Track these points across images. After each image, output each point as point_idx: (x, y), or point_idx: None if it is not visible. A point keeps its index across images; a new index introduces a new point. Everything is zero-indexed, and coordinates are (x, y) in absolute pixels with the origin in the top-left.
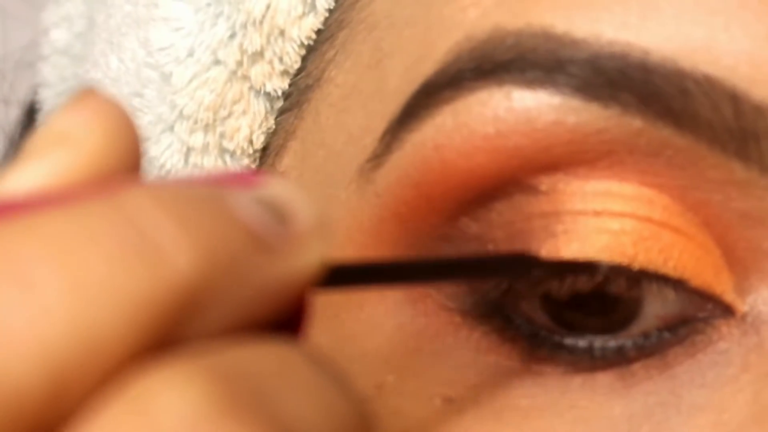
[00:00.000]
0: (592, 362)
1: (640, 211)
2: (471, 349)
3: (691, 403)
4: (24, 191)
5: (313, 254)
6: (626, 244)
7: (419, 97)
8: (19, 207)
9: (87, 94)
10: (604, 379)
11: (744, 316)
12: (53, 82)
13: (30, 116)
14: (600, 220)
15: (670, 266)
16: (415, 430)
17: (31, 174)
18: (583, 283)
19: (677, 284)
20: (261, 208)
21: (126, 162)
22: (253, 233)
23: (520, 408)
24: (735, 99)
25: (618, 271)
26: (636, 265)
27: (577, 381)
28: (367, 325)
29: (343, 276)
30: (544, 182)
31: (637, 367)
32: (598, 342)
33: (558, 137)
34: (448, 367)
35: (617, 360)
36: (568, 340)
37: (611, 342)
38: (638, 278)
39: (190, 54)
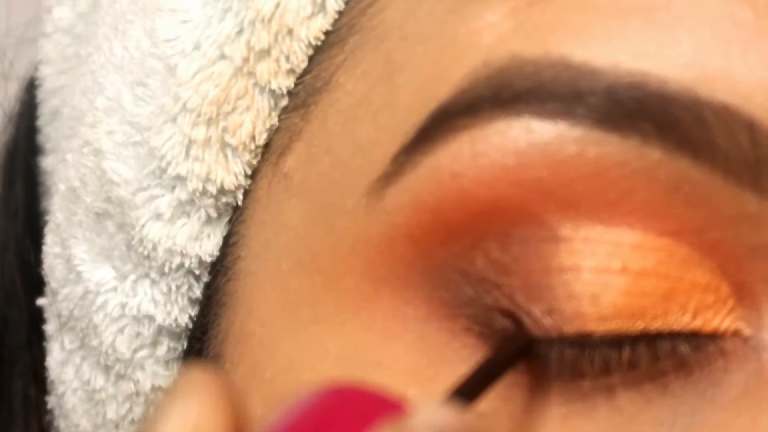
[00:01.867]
0: (606, 375)
1: (661, 268)
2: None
3: (690, 422)
4: None
5: None
6: (647, 308)
7: (434, 121)
8: None
9: (197, 376)
10: (621, 391)
11: (747, 340)
12: (54, 60)
13: (29, 92)
14: (621, 280)
15: (684, 322)
16: None
17: None
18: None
19: (690, 336)
20: None
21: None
22: None
23: (555, 419)
24: (752, 128)
25: (640, 338)
26: (655, 329)
27: (600, 395)
28: (381, 335)
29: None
30: (565, 225)
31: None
32: (607, 352)
33: (580, 170)
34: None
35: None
36: (586, 357)
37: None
38: (657, 338)
39: (197, 47)
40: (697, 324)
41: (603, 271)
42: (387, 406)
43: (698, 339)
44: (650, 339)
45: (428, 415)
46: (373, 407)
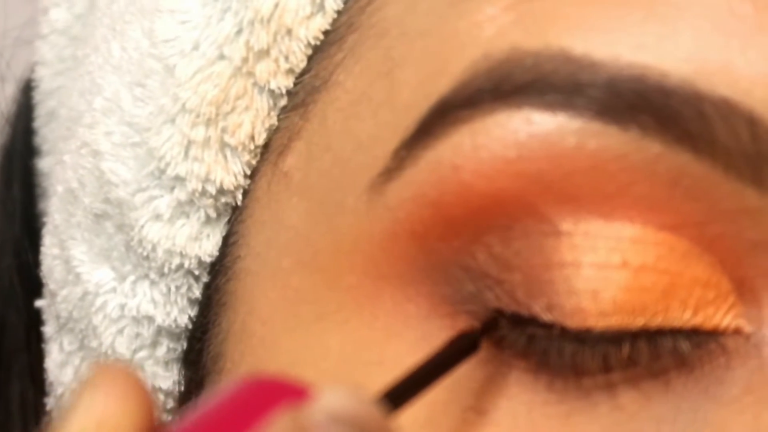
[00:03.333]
0: (606, 371)
1: (661, 264)
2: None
3: (692, 420)
4: None
5: None
6: (648, 304)
7: (435, 114)
8: None
9: (106, 371)
10: (623, 389)
11: (748, 337)
12: (51, 61)
13: (26, 94)
14: (621, 276)
15: (685, 319)
16: None
17: None
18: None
19: (690, 333)
20: (342, 429)
21: (150, 426)
22: None
23: (557, 417)
24: (752, 122)
25: (640, 334)
26: (655, 325)
27: (602, 392)
28: (383, 333)
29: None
30: (566, 219)
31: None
32: (607, 348)
33: (579, 162)
34: (479, 378)
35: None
36: (586, 352)
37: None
38: (657, 334)
39: (195, 47)
40: (697, 320)
41: (603, 266)
42: (292, 393)
43: (699, 336)
44: (651, 335)
45: (328, 401)
46: (278, 395)
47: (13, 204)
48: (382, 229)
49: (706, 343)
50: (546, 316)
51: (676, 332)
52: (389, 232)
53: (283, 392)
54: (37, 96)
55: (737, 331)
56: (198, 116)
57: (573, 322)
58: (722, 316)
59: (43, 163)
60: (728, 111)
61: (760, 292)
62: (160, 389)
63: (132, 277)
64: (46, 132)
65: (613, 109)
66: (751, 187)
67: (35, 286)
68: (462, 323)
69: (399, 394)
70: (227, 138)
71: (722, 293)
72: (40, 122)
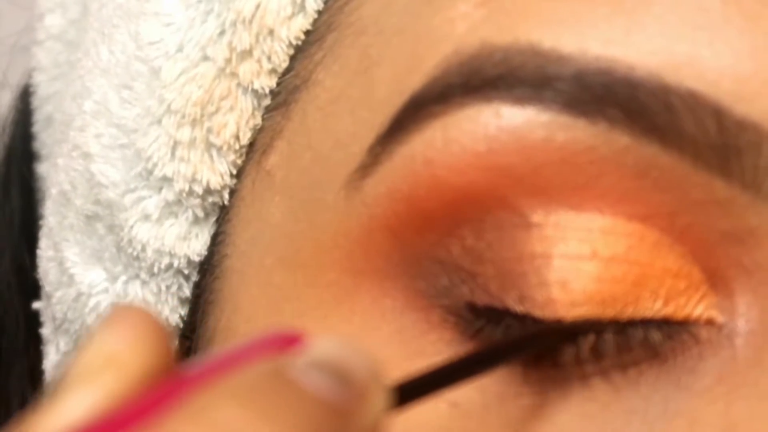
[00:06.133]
0: (578, 363)
1: (631, 254)
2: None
3: (663, 410)
4: (86, 417)
5: (378, 403)
6: (619, 295)
7: (408, 110)
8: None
9: (124, 310)
10: (595, 380)
11: (720, 328)
12: (47, 67)
13: (24, 100)
14: (592, 267)
15: (656, 309)
16: None
17: (84, 400)
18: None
19: (661, 323)
20: (322, 374)
21: (165, 367)
22: (325, 403)
23: (529, 408)
24: (718, 114)
25: (611, 325)
26: (626, 316)
27: (575, 383)
28: (360, 328)
29: (411, 390)
30: (537, 211)
31: (615, 367)
32: (581, 341)
33: (548, 155)
34: None
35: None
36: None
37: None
38: (628, 326)
39: (180, 49)
40: (668, 311)
41: (574, 257)
42: (286, 341)
43: (671, 326)
44: (622, 326)
45: (314, 349)
46: (273, 343)
47: (12, 209)
48: (360, 225)
49: (678, 334)
50: (518, 308)
51: (647, 323)
52: (366, 228)
53: (279, 340)
54: (35, 102)
55: (709, 322)
56: (183, 117)
57: (544, 314)
58: (694, 306)
59: (42, 168)
60: (695, 103)
61: (732, 282)
62: None
63: (123, 278)
64: (44, 137)
65: (581, 102)
66: (719, 178)
67: (33, 289)
68: (436, 317)
69: (417, 387)
70: (213, 138)
71: (693, 283)
72: (38, 127)
